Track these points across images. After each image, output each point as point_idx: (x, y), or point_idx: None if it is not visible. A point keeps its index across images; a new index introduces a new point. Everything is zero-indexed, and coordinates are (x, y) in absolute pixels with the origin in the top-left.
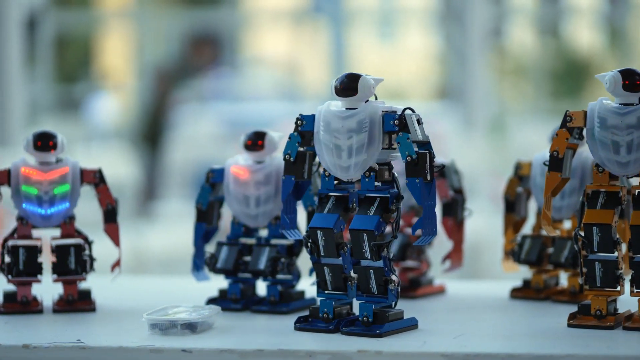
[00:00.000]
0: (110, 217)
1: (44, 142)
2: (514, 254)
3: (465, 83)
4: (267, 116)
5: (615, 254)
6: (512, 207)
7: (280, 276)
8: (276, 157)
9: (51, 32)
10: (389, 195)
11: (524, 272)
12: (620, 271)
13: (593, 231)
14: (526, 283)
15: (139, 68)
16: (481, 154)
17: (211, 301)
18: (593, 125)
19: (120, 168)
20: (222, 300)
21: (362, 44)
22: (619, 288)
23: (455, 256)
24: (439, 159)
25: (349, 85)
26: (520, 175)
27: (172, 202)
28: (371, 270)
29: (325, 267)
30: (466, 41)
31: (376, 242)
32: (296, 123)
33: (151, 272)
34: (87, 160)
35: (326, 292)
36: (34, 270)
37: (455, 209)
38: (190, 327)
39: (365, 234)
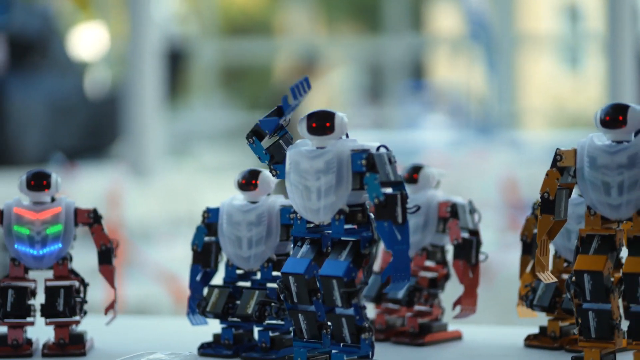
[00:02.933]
0: (104, 258)
1: (37, 182)
2: (527, 298)
3: None
4: (419, 145)
5: (610, 303)
6: (529, 248)
7: (271, 321)
8: (269, 197)
9: (212, 61)
10: (360, 239)
11: (541, 319)
12: (615, 321)
13: (584, 279)
14: (543, 330)
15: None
16: None
17: (204, 346)
18: (583, 164)
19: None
20: (216, 346)
21: (533, 70)
22: (614, 339)
23: (466, 301)
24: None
25: (323, 124)
26: (537, 215)
27: None
28: (343, 319)
29: (299, 314)
30: (618, 68)
31: (345, 290)
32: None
33: None
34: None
35: (303, 340)
36: (22, 312)
37: (467, 251)
38: None
39: (334, 281)
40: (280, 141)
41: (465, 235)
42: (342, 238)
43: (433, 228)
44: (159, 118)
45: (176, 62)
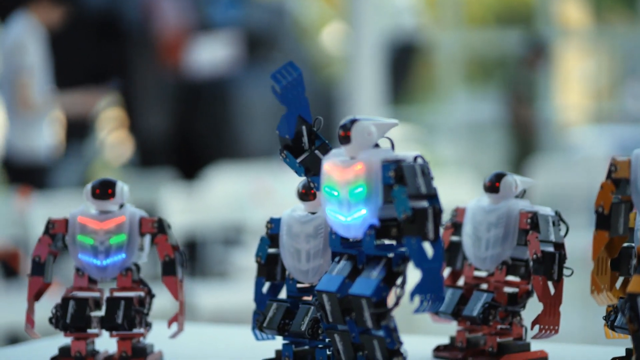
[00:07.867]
0: (168, 269)
1: (102, 190)
2: (608, 319)
3: None
4: None
5: None
6: (616, 265)
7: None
8: None
9: (458, 52)
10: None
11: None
12: None
13: (638, 302)
14: (629, 352)
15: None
16: None
17: None
18: (637, 176)
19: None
20: None
21: None
22: None
23: (545, 320)
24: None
25: (344, 133)
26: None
27: None
28: (375, 341)
29: (335, 335)
30: None
31: (374, 310)
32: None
33: None
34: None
35: None
36: (82, 324)
37: (547, 266)
38: None
39: (363, 300)
40: (316, 152)
41: (550, 248)
42: (375, 254)
43: (513, 241)
44: (381, 112)
45: (409, 54)
